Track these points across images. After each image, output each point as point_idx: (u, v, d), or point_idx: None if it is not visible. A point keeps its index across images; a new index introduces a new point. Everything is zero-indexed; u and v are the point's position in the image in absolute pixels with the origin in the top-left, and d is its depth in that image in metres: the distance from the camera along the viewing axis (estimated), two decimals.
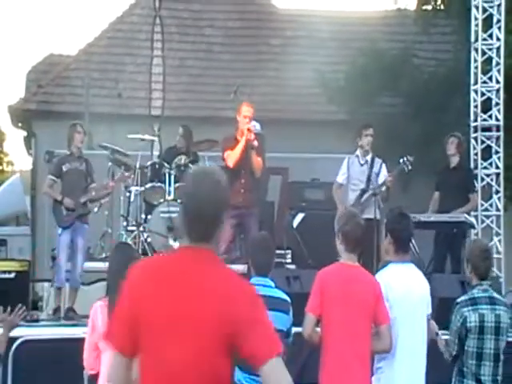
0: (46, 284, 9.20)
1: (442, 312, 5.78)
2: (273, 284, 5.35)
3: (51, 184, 8.64)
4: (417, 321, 5.26)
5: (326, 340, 5.14)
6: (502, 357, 5.32)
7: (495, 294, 5.41)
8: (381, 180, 8.49)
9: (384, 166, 8.62)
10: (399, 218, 5.45)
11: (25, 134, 16.00)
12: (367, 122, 9.02)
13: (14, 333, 6.61)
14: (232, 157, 8.01)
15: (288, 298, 5.34)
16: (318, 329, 5.18)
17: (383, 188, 8.41)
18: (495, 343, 5.28)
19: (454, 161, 9.25)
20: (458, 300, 5.36)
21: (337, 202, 8.54)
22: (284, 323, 5.24)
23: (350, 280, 5.18)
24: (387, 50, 13.55)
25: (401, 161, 8.44)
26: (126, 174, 9.24)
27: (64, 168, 8.59)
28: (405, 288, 5.25)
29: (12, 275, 8.17)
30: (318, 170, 10.49)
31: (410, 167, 8.40)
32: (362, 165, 8.59)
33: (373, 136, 8.60)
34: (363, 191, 8.46)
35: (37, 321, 8.06)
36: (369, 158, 8.58)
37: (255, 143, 8.08)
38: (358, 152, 8.66)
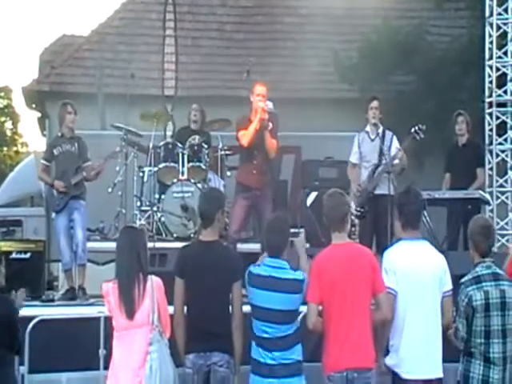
0: (61, 264, 9.23)
1: (456, 290, 5.75)
2: (286, 264, 5.36)
3: (44, 168, 8.48)
4: (427, 297, 5.26)
5: (327, 324, 5.20)
6: (510, 333, 5.29)
7: (498, 270, 5.39)
8: (393, 153, 8.42)
9: (395, 137, 8.51)
10: (406, 193, 5.45)
11: (39, 115, 16.04)
12: (373, 95, 8.92)
13: (30, 312, 6.72)
14: (246, 136, 7.99)
15: (301, 277, 5.33)
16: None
17: (395, 161, 8.32)
18: (502, 319, 5.26)
19: (463, 139, 9.19)
20: (462, 280, 5.35)
21: (351, 181, 8.51)
22: (293, 303, 5.29)
23: (344, 260, 5.23)
24: (400, 27, 13.44)
25: (412, 130, 8.31)
26: (117, 149, 9.07)
27: (55, 151, 8.41)
28: (412, 264, 5.25)
29: (27, 255, 8.23)
30: (331, 149, 10.46)
31: (421, 135, 8.27)
32: (372, 140, 8.51)
33: (379, 108, 8.50)
34: (376, 166, 8.40)
35: (52, 300, 8.11)
36: (380, 131, 8.51)
37: (269, 123, 8.05)
38: (368, 127, 8.58)
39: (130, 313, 5.12)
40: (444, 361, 5.37)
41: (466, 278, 5.34)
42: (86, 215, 8.45)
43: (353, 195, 8.28)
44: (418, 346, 5.23)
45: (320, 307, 5.23)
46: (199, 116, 9.94)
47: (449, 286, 5.36)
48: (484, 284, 5.27)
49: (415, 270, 5.25)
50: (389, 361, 5.29)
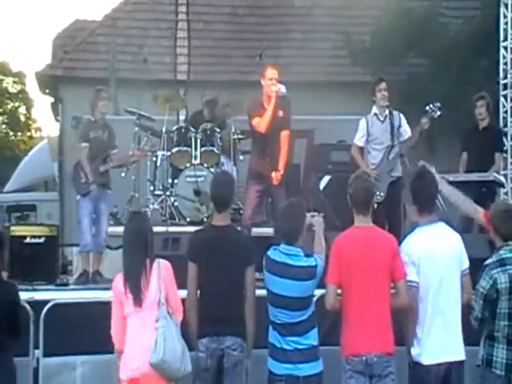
0: (75, 248, 9.29)
1: (471, 272, 5.74)
2: (300, 251, 5.34)
3: (84, 149, 8.49)
4: (449, 280, 5.25)
5: (346, 305, 5.20)
6: None
7: None
8: (405, 130, 8.36)
9: (403, 117, 8.46)
10: (420, 178, 5.43)
11: (52, 100, 16.06)
12: (380, 76, 8.86)
13: (45, 296, 6.77)
14: (263, 123, 7.96)
15: (314, 263, 5.30)
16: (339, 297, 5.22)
17: (413, 141, 8.26)
18: None
19: (484, 122, 9.09)
20: (487, 262, 5.33)
21: (359, 163, 8.43)
22: (308, 290, 5.29)
23: (365, 242, 5.23)
24: (413, 9, 13.35)
25: (427, 108, 8.21)
26: (147, 149, 9.24)
27: (91, 134, 8.55)
28: (431, 251, 5.23)
29: (42, 240, 8.26)
30: (343, 132, 10.41)
31: (438, 113, 8.20)
32: (382, 122, 8.45)
33: (387, 90, 8.44)
34: (390, 147, 8.35)
35: (66, 284, 8.17)
36: (387, 112, 8.46)
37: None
38: (376, 109, 8.50)
39: (138, 299, 5.14)
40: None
41: (490, 261, 5.33)
42: (111, 204, 8.61)
43: None
44: (441, 331, 5.21)
45: (339, 289, 5.22)
46: (208, 112, 9.91)
47: (467, 263, 5.36)
48: (509, 267, 5.26)
49: (435, 256, 5.22)
50: (413, 351, 5.25)
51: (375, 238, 5.28)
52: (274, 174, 7.95)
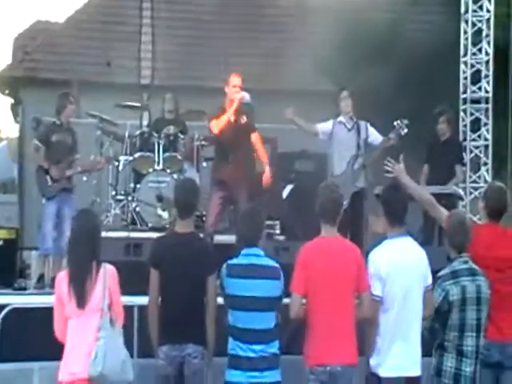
0: (34, 252, 9.18)
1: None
2: (262, 253, 5.42)
3: (37, 149, 8.43)
4: (413, 295, 5.30)
5: (311, 315, 5.22)
6: (483, 327, 5.36)
7: (474, 266, 5.44)
8: (375, 139, 8.37)
9: (369, 126, 8.50)
10: (393, 190, 5.48)
11: (12, 101, 15.88)
12: (341, 86, 8.91)
13: (2, 301, 6.67)
14: (218, 125, 7.98)
15: (277, 265, 5.41)
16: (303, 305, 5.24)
17: (376, 154, 8.30)
18: (477, 313, 5.34)
19: (446, 135, 9.23)
20: (440, 274, 5.41)
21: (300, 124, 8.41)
22: (275, 290, 5.34)
23: (332, 253, 5.26)
24: (377, 21, 13.47)
25: (395, 124, 8.28)
26: (112, 157, 9.25)
27: (53, 138, 8.42)
28: (401, 264, 5.28)
29: (0, 243, 8.15)
30: (306, 141, 10.46)
31: (405, 130, 8.27)
32: (349, 130, 8.50)
33: (349, 98, 8.49)
34: (355, 157, 8.39)
35: (24, 289, 8.06)
36: (353, 122, 8.50)
37: (243, 116, 8.06)
38: (342, 118, 8.55)
39: (81, 301, 5.07)
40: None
41: (443, 273, 5.41)
42: (74, 209, 8.52)
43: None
44: (401, 345, 5.26)
45: (304, 300, 5.24)
46: (174, 105, 9.90)
47: (430, 279, 5.41)
48: (461, 279, 5.34)
49: (401, 271, 5.26)
50: (371, 361, 5.30)
51: (341, 249, 5.31)
52: (264, 178, 8.05)
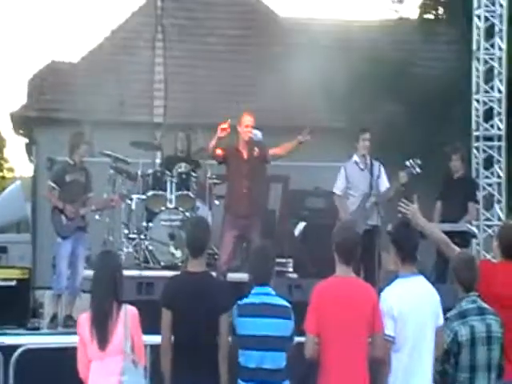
0: (47, 291, 9.19)
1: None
2: (273, 292, 5.40)
3: (51, 189, 8.53)
4: (425, 336, 5.24)
5: (324, 355, 5.17)
6: (495, 367, 5.28)
7: (483, 304, 5.38)
8: (382, 182, 8.45)
9: (382, 167, 8.58)
10: (403, 228, 5.45)
11: (26, 140, 16.00)
12: (364, 126, 8.98)
13: (16, 341, 6.65)
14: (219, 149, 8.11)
15: (288, 304, 5.39)
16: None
17: (390, 194, 8.34)
18: (488, 353, 5.26)
19: (459, 172, 9.22)
20: (448, 315, 5.34)
21: (340, 211, 8.51)
22: (286, 329, 5.31)
23: (346, 294, 5.20)
24: (389, 59, 13.54)
25: (407, 163, 8.35)
26: (125, 195, 9.34)
27: (67, 178, 8.51)
28: (413, 304, 5.22)
29: (13, 283, 8.17)
30: (319, 179, 10.49)
31: (417, 170, 8.31)
32: (362, 170, 8.58)
33: (370, 140, 8.56)
34: (367, 196, 8.42)
35: (37, 328, 8.06)
36: (368, 161, 8.56)
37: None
38: (356, 158, 8.64)
39: (103, 343, 5.05)
40: None
41: (451, 313, 5.35)
42: (87, 248, 8.65)
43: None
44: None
45: (316, 339, 5.19)
46: (185, 144, 9.95)
47: (442, 319, 5.35)
48: (469, 318, 5.28)
49: (414, 311, 5.21)
50: None
51: (356, 291, 5.25)
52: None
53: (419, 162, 8.30)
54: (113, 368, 5.03)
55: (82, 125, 12.74)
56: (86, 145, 8.65)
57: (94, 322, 5.09)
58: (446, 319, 5.32)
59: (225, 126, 8.17)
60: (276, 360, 5.26)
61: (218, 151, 8.20)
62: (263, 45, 15.78)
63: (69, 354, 6.20)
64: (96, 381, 5.07)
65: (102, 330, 5.05)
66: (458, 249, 5.83)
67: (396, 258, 5.36)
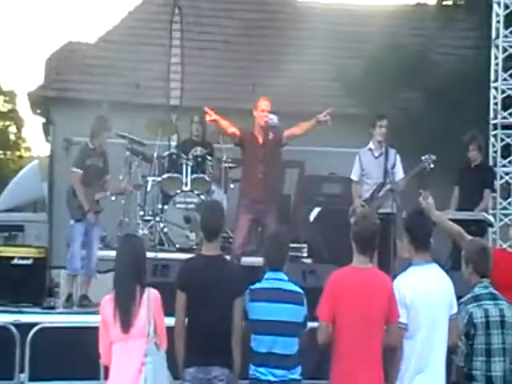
0: (63, 271, 9.26)
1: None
2: (286, 278, 5.43)
3: (80, 177, 8.50)
4: (438, 324, 5.24)
5: (337, 342, 5.17)
6: (509, 352, 5.31)
7: (495, 291, 5.43)
8: (398, 171, 8.46)
9: (398, 156, 8.58)
10: (416, 216, 5.45)
11: (43, 120, 16.06)
12: (381, 113, 8.97)
13: (32, 319, 6.71)
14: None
15: (301, 290, 5.42)
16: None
17: (402, 182, 8.37)
18: (502, 337, 5.30)
19: (477, 161, 9.19)
20: (462, 300, 5.38)
21: (353, 196, 8.53)
22: (298, 315, 5.34)
23: (362, 285, 5.19)
24: (407, 45, 13.48)
25: (423, 158, 8.37)
26: (141, 184, 9.41)
27: (87, 162, 8.55)
28: (426, 293, 5.23)
29: (30, 261, 8.23)
30: (334, 164, 10.48)
31: (431, 166, 8.32)
32: (376, 157, 8.57)
33: (387, 127, 8.56)
34: (381, 185, 8.43)
35: (53, 307, 8.12)
36: (383, 149, 8.56)
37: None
38: (372, 144, 8.63)
39: (126, 325, 5.08)
40: None
41: (465, 298, 5.39)
42: (102, 228, 8.72)
43: (355, 211, 8.29)
44: (426, 372, 5.20)
45: (330, 327, 5.19)
46: (200, 128, 9.95)
47: (455, 308, 5.36)
48: (483, 302, 5.33)
49: (427, 299, 5.22)
50: None
51: (372, 280, 5.23)
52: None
53: (434, 157, 8.31)
54: (136, 350, 5.07)
55: (98, 106, 12.79)
56: (108, 132, 8.68)
57: (118, 305, 5.11)
58: (460, 304, 5.34)
59: (210, 117, 8.19)
60: (287, 345, 5.28)
61: (233, 129, 8.22)
62: (280, 29, 15.72)
63: (84, 333, 6.30)
64: (120, 361, 5.10)
65: (125, 313, 5.08)
66: (470, 237, 5.85)
67: (409, 246, 5.36)
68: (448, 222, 5.94)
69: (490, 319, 5.29)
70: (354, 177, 8.66)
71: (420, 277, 5.29)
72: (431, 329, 5.21)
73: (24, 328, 6.48)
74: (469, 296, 5.38)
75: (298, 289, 5.42)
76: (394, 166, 8.47)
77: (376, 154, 8.57)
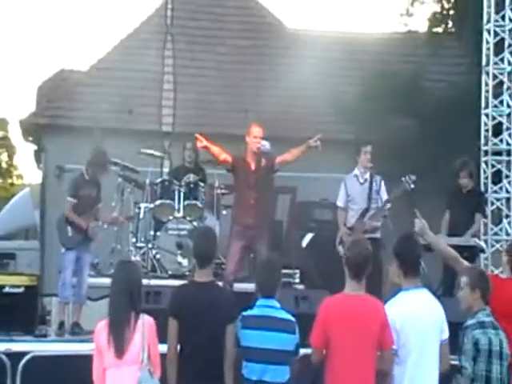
0: (55, 298, 9.21)
1: (451, 336, 5.75)
2: (278, 305, 5.43)
3: (73, 206, 8.50)
4: (428, 349, 5.24)
5: (330, 370, 5.17)
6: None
7: (495, 321, 5.40)
8: (382, 197, 8.48)
9: (383, 182, 8.60)
10: (405, 241, 5.45)
11: (35, 147, 16.06)
12: (367, 139, 8.99)
13: (23, 348, 6.66)
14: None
15: (293, 318, 5.41)
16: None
17: (387, 206, 8.39)
18: (500, 369, 5.28)
19: (468, 187, 9.22)
20: (467, 324, 5.35)
21: (339, 223, 8.54)
22: (290, 343, 5.33)
23: (354, 313, 5.19)
24: (398, 72, 13.56)
25: (403, 179, 8.39)
26: (131, 216, 9.41)
27: (80, 192, 8.53)
28: (416, 318, 5.23)
29: (21, 289, 8.16)
30: (327, 190, 10.47)
31: (412, 186, 8.34)
32: (361, 184, 8.59)
33: (371, 153, 8.57)
34: (365, 210, 8.45)
35: (45, 336, 8.07)
36: (367, 176, 8.58)
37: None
38: (357, 171, 8.65)
39: (120, 351, 5.07)
40: None
41: (470, 322, 5.34)
42: (93, 256, 8.72)
43: (342, 239, 8.33)
44: None
45: (323, 352, 5.19)
46: (193, 155, 9.97)
47: (446, 333, 5.36)
48: (487, 330, 5.31)
49: (417, 324, 5.22)
50: None
51: (365, 308, 5.22)
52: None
53: (414, 178, 8.33)
54: (129, 377, 5.06)
55: (90, 133, 12.81)
56: (108, 166, 8.68)
57: (112, 330, 5.11)
58: (464, 328, 5.30)
59: (201, 144, 8.24)
60: (278, 374, 5.27)
61: (224, 156, 8.25)
62: (272, 55, 15.81)
63: (76, 361, 6.26)
64: None
65: (119, 339, 5.08)
66: (466, 263, 5.84)
67: (399, 271, 5.36)
68: (443, 245, 5.93)
69: (493, 348, 5.27)
70: (340, 203, 8.67)
71: (409, 302, 5.29)
72: (422, 354, 5.20)
73: (15, 357, 6.43)
74: (474, 321, 5.34)
75: (289, 317, 5.41)
76: (378, 192, 8.50)
77: (361, 180, 8.61)
